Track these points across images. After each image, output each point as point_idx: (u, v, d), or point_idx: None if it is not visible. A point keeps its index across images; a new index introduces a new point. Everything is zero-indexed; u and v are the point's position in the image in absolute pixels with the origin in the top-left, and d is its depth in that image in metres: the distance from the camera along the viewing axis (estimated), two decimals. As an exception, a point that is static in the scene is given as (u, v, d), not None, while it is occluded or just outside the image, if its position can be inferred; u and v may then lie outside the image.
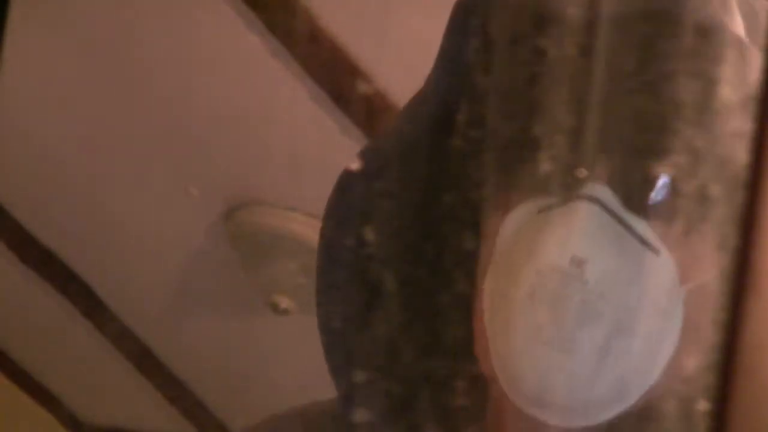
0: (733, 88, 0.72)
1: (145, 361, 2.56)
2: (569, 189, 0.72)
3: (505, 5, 0.77)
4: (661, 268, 0.71)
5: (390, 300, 0.79)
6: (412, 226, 0.80)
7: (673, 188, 0.72)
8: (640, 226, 0.71)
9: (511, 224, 0.73)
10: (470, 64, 0.77)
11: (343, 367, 0.81)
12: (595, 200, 0.71)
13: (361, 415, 0.80)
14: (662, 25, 0.73)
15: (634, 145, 0.72)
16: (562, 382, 0.70)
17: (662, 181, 0.71)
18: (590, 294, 0.69)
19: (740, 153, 0.71)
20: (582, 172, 0.72)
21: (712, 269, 0.72)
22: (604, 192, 0.71)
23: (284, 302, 2.16)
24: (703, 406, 0.64)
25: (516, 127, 0.74)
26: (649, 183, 0.71)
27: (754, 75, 0.73)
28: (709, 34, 0.73)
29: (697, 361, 0.70)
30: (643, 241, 0.71)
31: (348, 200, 0.81)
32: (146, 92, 2.04)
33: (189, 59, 1.95)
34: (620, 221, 0.70)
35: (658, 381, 0.71)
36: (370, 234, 0.79)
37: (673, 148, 0.72)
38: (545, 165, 0.72)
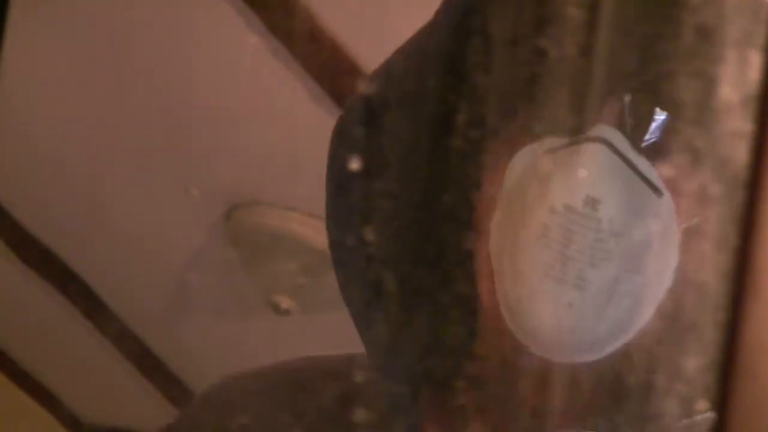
0: (733, 88, 0.72)
1: (145, 361, 2.56)
2: (577, 130, 0.72)
3: (505, 5, 0.77)
4: (663, 209, 0.72)
5: (390, 300, 0.79)
6: (412, 226, 0.80)
7: (673, 187, 0.72)
8: (646, 167, 0.72)
9: (518, 165, 0.74)
10: (470, 64, 0.77)
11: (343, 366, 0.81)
12: (604, 141, 0.71)
13: (361, 415, 0.80)
14: (662, 25, 0.73)
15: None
16: (572, 319, 0.71)
17: (658, 119, 0.72)
18: (603, 233, 0.70)
19: (740, 153, 0.71)
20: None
21: (707, 210, 0.73)
22: (612, 133, 0.71)
23: (285, 302, 2.16)
24: (703, 406, 0.64)
25: (516, 127, 0.74)
26: (650, 123, 0.72)
27: (754, 75, 0.73)
28: (709, 34, 0.73)
29: (697, 361, 0.70)
30: (649, 182, 0.72)
31: (348, 200, 0.81)
32: (146, 92, 2.04)
33: (189, 59, 1.95)
34: (628, 162, 0.71)
35: (653, 316, 0.72)
36: (370, 234, 0.79)
37: (673, 148, 0.72)
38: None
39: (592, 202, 0.71)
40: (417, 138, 0.80)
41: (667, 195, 0.72)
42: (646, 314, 0.72)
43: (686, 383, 0.70)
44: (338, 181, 0.82)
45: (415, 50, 0.81)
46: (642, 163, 0.72)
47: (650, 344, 0.73)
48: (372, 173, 0.80)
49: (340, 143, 0.83)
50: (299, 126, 1.90)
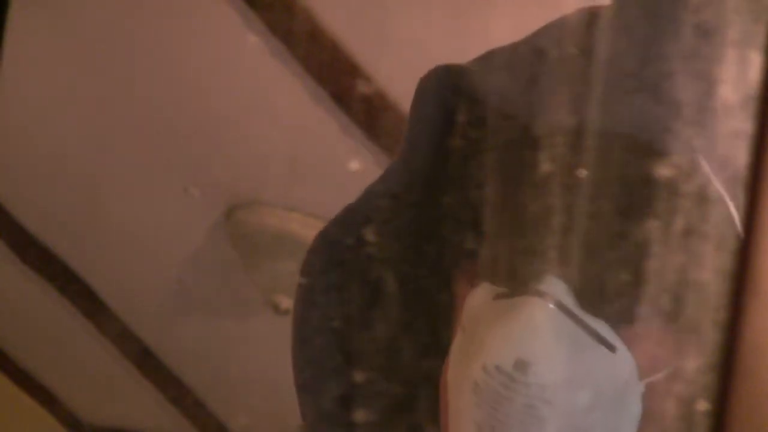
0: (733, 88, 0.72)
1: (145, 361, 2.56)
2: (524, 279, 0.69)
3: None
4: (618, 365, 0.68)
5: (390, 300, 0.79)
6: (412, 226, 0.80)
7: (673, 189, 0.72)
8: (595, 321, 0.68)
9: (472, 305, 0.71)
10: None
11: (343, 367, 0.81)
12: (547, 296, 0.67)
13: (361, 415, 0.80)
14: (662, 25, 0.73)
15: (634, 146, 0.72)
16: None
17: (624, 290, 0.68)
18: (534, 399, 0.67)
19: (740, 153, 0.71)
20: (582, 173, 0.72)
21: (677, 359, 0.69)
22: (558, 286, 0.67)
23: (285, 302, 2.16)
24: (703, 406, 0.64)
25: (516, 127, 0.74)
26: (609, 288, 0.69)
27: (754, 75, 0.73)
28: (709, 34, 0.73)
29: (697, 361, 0.70)
30: (599, 338, 0.68)
31: (348, 201, 0.81)
32: (146, 92, 2.04)
33: (189, 59, 1.95)
34: (573, 317, 0.67)
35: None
36: (370, 234, 0.79)
37: (673, 148, 0.72)
38: (545, 166, 0.72)
39: (522, 366, 0.66)
40: (417, 139, 0.80)
41: (623, 350, 0.68)
42: None
43: (686, 383, 0.70)
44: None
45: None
46: (591, 318, 0.67)
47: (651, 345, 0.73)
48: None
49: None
50: (299, 126, 1.90)
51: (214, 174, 2.13)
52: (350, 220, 0.79)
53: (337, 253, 0.81)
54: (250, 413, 2.37)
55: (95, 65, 2.02)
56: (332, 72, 1.82)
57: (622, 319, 0.68)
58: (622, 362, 0.68)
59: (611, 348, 0.68)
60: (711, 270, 0.69)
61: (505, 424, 0.67)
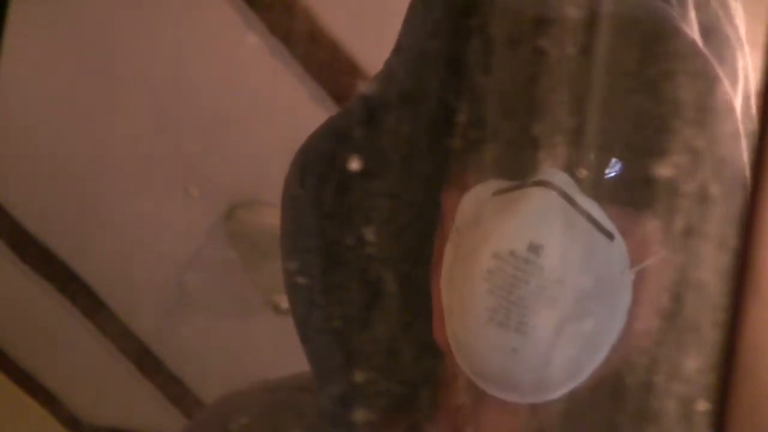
0: (733, 88, 0.72)
1: (145, 361, 2.56)
2: (525, 173, 0.72)
3: (505, 5, 0.77)
4: (614, 252, 0.72)
5: (390, 300, 0.79)
6: (412, 226, 0.80)
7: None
8: (595, 210, 0.71)
9: (468, 204, 0.74)
10: (470, 64, 0.77)
11: (343, 367, 0.81)
12: (550, 185, 0.71)
13: (361, 415, 0.80)
14: (662, 25, 0.73)
15: (633, 145, 0.72)
16: (515, 363, 0.71)
17: (612, 168, 0.72)
18: (546, 280, 0.70)
19: (740, 153, 0.71)
20: (581, 173, 0.72)
21: (660, 250, 0.73)
22: (559, 176, 0.71)
23: (285, 302, 2.16)
24: (703, 406, 0.64)
25: (516, 127, 0.74)
26: (602, 167, 0.72)
27: (754, 75, 0.73)
28: (709, 34, 0.73)
29: (697, 361, 0.70)
30: (598, 226, 0.71)
31: (348, 200, 0.81)
32: (146, 92, 2.04)
33: (189, 59, 1.95)
34: (575, 206, 0.71)
35: (607, 358, 0.72)
36: (370, 234, 0.79)
37: (673, 148, 0.72)
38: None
39: (536, 248, 0.70)
40: (417, 138, 0.80)
41: (619, 238, 0.71)
42: (598, 357, 0.72)
43: (686, 383, 0.70)
44: (339, 180, 0.82)
45: (415, 50, 0.81)
46: (592, 207, 0.71)
47: (650, 345, 0.73)
48: (372, 173, 0.80)
49: (339, 143, 0.83)
50: (299, 126, 1.90)
51: (214, 174, 2.13)
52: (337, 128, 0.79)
53: (338, 254, 0.81)
54: (250, 413, 2.36)
55: (95, 64, 2.02)
56: (332, 72, 1.82)
57: (616, 205, 0.72)
58: (618, 250, 0.72)
59: (609, 236, 0.71)
60: (711, 269, 0.69)
61: (520, 306, 0.70)
